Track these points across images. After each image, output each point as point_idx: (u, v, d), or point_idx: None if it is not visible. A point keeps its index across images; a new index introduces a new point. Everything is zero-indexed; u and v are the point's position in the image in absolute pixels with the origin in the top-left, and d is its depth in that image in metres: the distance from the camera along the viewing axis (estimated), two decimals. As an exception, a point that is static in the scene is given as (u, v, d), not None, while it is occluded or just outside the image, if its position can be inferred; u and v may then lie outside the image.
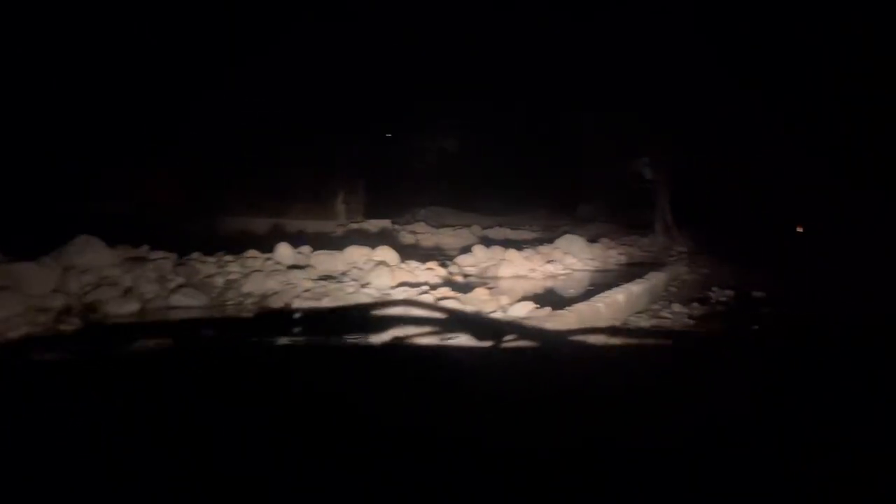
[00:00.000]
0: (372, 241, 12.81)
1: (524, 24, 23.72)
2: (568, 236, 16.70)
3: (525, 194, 31.52)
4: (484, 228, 23.99)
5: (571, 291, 10.17)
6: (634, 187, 26.39)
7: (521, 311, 7.41)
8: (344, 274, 9.99)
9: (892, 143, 19.49)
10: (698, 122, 22.46)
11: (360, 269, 10.24)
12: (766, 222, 31.55)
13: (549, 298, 9.21)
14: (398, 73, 23.84)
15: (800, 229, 24.82)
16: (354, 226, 22.26)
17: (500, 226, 25.54)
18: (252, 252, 10.37)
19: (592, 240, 21.16)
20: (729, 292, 12.50)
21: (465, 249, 13.43)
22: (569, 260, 15.33)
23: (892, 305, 10.15)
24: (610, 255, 19.07)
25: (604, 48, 22.46)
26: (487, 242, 13.90)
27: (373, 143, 26.88)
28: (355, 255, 10.84)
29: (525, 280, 12.14)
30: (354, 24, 21.24)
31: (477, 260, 13.03)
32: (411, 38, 22.99)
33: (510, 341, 4.90)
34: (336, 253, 10.76)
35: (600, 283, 11.75)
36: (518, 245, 15.05)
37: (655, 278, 11.57)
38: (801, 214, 27.03)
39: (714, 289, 12.79)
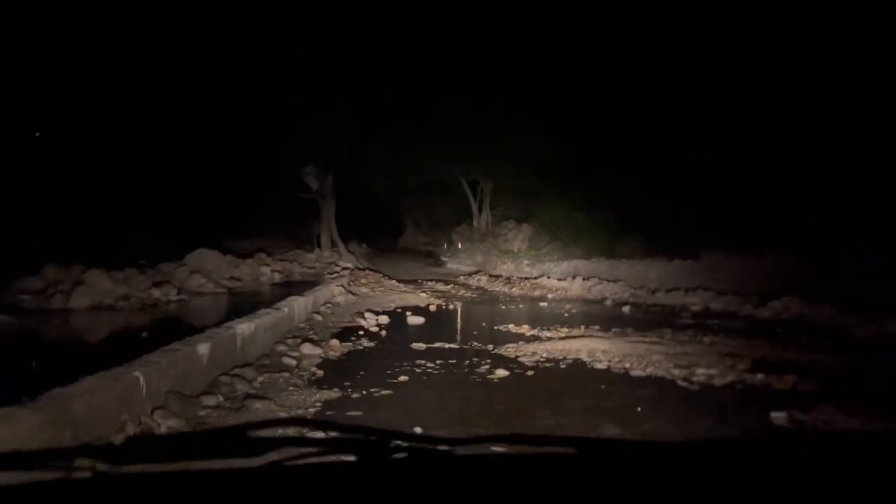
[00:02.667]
0: None
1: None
2: (202, 251, 12.92)
3: (190, 204, 26.67)
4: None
5: (146, 334, 6.60)
6: (301, 198, 23.30)
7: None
8: None
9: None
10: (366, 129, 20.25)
11: None
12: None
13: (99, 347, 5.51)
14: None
15: (459, 244, 24.01)
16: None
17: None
18: None
19: (248, 255, 17.63)
20: (384, 318, 9.95)
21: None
22: (197, 281, 11.59)
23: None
24: (262, 272, 15.68)
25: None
26: (68, 262, 9.51)
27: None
28: None
29: (109, 313, 8.21)
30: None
31: (44, 284, 8.67)
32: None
33: None
34: None
35: (219, 314, 8.31)
36: (127, 265, 10.82)
37: (290, 306, 8.46)
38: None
39: (367, 313, 10.15)
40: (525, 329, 9.08)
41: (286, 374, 5.91)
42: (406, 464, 1.36)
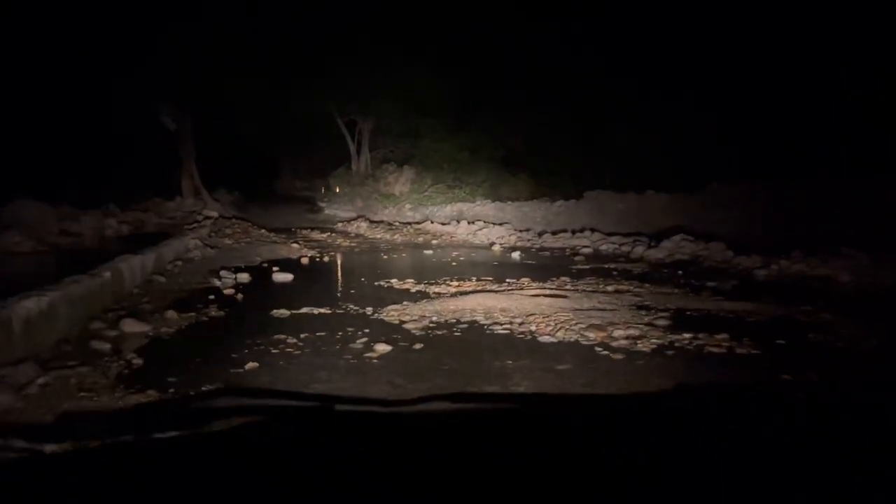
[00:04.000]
0: None
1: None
2: (22, 202, 10.53)
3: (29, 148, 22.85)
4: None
5: None
6: (160, 141, 20.48)
7: None
8: None
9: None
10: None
11: None
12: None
13: None
14: None
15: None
16: None
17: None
18: None
19: (95, 205, 15.02)
20: (244, 276, 8.26)
21: None
22: (11, 238, 9.30)
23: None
24: (108, 225, 13.31)
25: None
26: None
27: None
28: None
29: None
30: None
31: None
32: None
33: None
34: None
35: (19, 283, 6.29)
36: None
37: (115, 269, 6.57)
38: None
39: (224, 272, 8.39)
40: (410, 284, 7.69)
41: (86, 369, 4.19)
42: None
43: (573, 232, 13.44)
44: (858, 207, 11.38)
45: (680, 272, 8.50)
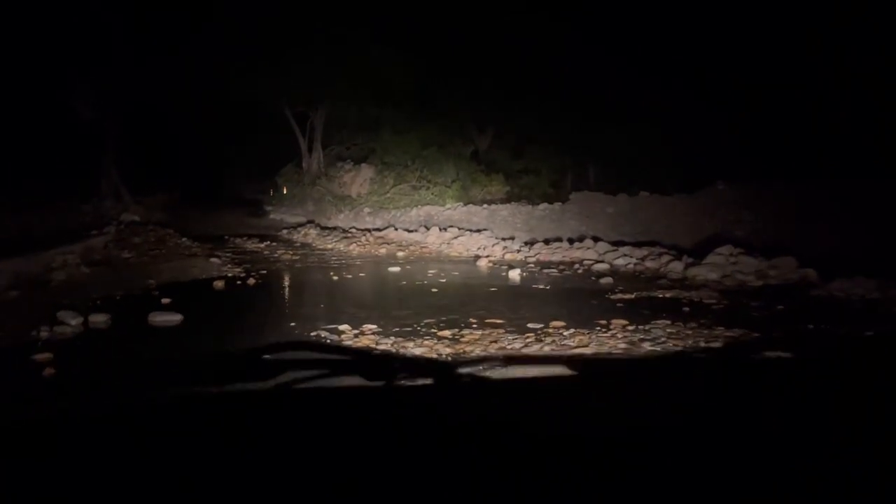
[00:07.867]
0: None
1: None
2: None
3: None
4: None
5: None
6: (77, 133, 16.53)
7: None
8: None
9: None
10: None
11: None
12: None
13: None
14: None
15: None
16: None
17: None
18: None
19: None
20: (101, 317, 4.74)
21: None
22: None
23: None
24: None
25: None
26: None
27: None
28: None
29: None
30: None
31: None
32: None
33: None
34: None
35: None
36: None
37: None
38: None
39: (65, 314, 4.82)
40: (371, 337, 4.27)
41: None
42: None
43: (570, 241, 10.19)
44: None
45: (780, 307, 5.27)
